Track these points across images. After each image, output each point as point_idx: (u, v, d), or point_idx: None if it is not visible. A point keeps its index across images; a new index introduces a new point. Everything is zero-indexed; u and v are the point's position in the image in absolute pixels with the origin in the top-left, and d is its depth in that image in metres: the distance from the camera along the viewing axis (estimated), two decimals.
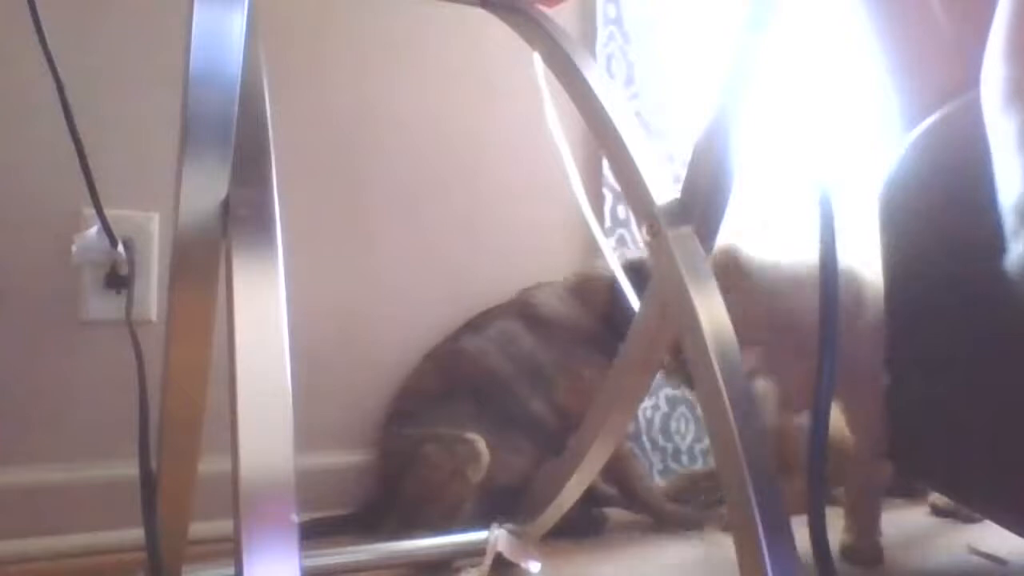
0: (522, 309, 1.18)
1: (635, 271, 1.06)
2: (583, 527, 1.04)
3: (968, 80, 0.80)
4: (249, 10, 0.49)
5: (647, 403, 1.34)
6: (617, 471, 1.12)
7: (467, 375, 1.11)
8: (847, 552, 0.91)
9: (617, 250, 1.33)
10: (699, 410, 1.25)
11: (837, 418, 1.07)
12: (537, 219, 1.28)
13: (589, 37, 1.37)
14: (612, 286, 1.17)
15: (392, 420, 1.12)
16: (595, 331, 1.16)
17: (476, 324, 1.16)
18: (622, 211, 1.37)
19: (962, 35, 0.84)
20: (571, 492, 0.92)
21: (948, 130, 0.82)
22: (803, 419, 1.04)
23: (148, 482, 0.62)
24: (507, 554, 0.86)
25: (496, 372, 1.11)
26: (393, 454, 1.07)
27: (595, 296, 1.19)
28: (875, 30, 0.96)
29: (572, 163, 0.90)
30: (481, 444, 1.01)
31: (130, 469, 0.63)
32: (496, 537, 0.88)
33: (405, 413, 1.11)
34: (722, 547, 0.99)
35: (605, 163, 1.35)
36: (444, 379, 1.12)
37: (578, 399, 1.09)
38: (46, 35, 0.65)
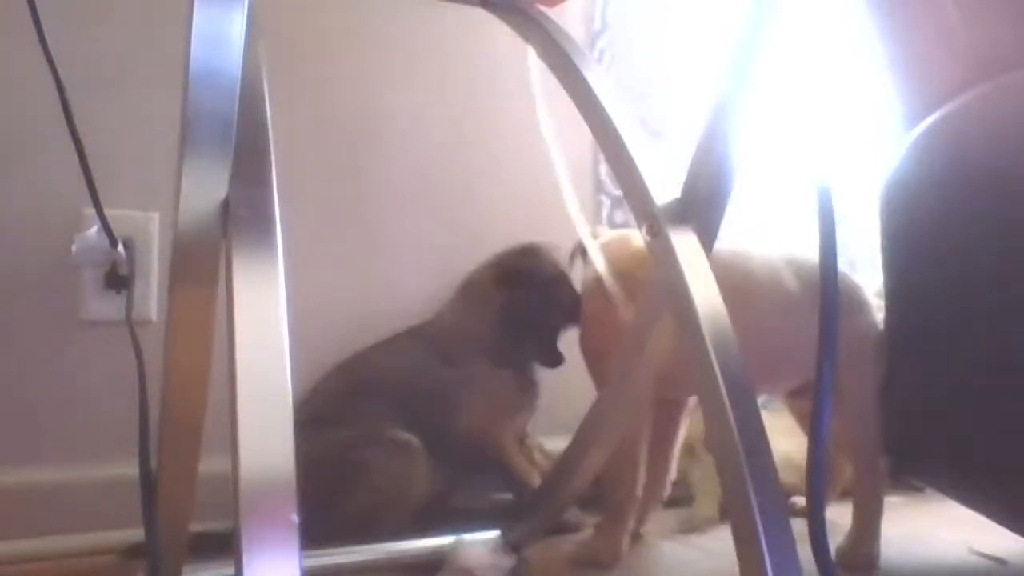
0: (416, 330, 1.12)
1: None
2: (559, 529, 1.00)
3: (975, 77, 0.80)
4: (249, 10, 0.49)
5: None
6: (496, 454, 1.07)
7: (368, 380, 1.06)
8: (838, 556, 0.90)
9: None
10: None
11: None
12: (538, 221, 1.28)
13: (590, 41, 1.38)
14: (498, 277, 1.12)
15: (307, 424, 1.02)
16: (490, 337, 1.10)
17: (378, 346, 1.11)
18: (620, 216, 1.37)
19: (972, 29, 0.84)
20: (570, 494, 0.92)
21: (949, 129, 0.82)
22: None
23: (148, 482, 0.62)
24: (477, 571, 0.79)
25: (395, 391, 1.05)
26: (320, 459, 0.96)
27: (482, 296, 1.13)
28: (878, 26, 0.96)
29: (561, 161, 0.90)
30: (415, 440, 0.98)
31: (130, 469, 0.63)
32: (458, 548, 0.82)
33: (320, 417, 1.01)
34: (721, 547, 0.99)
35: (602, 170, 1.36)
36: (349, 384, 1.07)
37: (480, 420, 1.05)
38: (46, 35, 0.65)
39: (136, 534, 0.68)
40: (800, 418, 1.09)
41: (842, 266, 0.94)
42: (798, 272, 0.96)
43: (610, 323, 0.90)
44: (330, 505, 0.93)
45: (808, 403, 1.05)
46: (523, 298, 1.12)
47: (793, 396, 1.08)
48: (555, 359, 1.12)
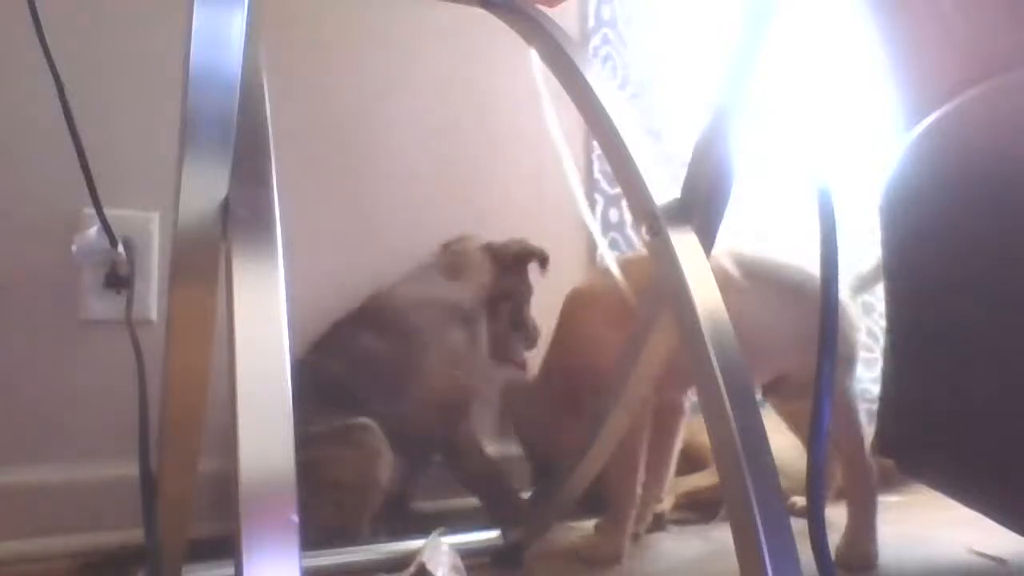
0: (373, 314, 1.05)
1: None
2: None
3: (975, 76, 0.80)
4: (249, 10, 0.49)
5: None
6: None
7: (319, 382, 0.96)
8: (837, 556, 0.90)
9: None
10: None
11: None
12: (537, 222, 1.28)
13: (584, 39, 1.38)
14: (497, 257, 1.15)
15: None
16: (472, 309, 1.10)
17: (320, 341, 1.04)
18: (614, 215, 1.37)
19: (972, 28, 0.84)
20: (568, 496, 0.91)
21: (950, 129, 0.82)
22: None
23: (148, 482, 0.62)
24: (432, 568, 0.74)
25: (341, 383, 0.97)
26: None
27: (475, 270, 1.14)
28: (877, 26, 0.96)
29: (571, 163, 0.90)
30: (375, 425, 0.92)
31: (130, 469, 0.63)
32: (426, 549, 0.78)
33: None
34: (722, 546, 0.99)
35: (596, 167, 1.36)
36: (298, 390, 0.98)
37: (441, 381, 1.02)
38: (46, 35, 0.65)
39: (135, 534, 0.68)
40: (785, 417, 1.09)
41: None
42: (740, 263, 0.96)
43: (602, 339, 0.90)
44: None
45: (790, 400, 1.05)
46: (510, 284, 1.15)
47: (773, 393, 1.07)
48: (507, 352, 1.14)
